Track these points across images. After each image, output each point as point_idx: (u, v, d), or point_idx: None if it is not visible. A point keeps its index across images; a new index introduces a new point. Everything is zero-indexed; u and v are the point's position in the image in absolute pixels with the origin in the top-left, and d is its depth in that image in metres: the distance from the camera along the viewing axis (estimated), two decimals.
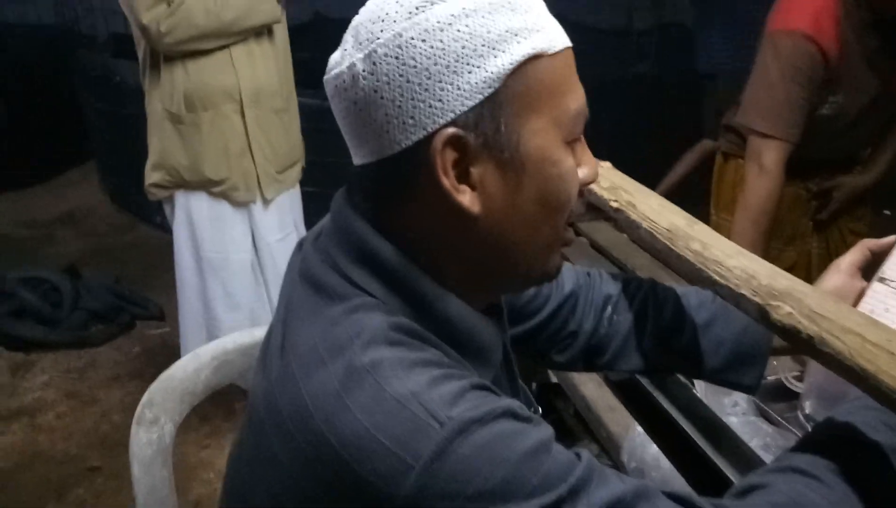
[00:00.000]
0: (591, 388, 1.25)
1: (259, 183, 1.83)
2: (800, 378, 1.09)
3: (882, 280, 0.71)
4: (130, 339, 2.63)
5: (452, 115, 0.52)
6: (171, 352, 2.24)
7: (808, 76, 1.42)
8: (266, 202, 1.88)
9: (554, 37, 0.55)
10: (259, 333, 0.77)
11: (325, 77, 0.56)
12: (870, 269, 0.75)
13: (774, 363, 1.17)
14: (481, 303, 0.62)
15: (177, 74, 1.73)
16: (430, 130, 0.52)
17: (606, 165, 0.96)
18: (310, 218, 2.07)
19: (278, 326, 0.59)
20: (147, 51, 1.75)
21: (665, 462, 0.96)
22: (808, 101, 1.45)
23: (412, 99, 0.52)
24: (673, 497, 0.53)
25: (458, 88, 0.52)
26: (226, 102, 1.75)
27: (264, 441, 0.54)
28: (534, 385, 1.98)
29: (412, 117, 0.52)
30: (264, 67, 1.80)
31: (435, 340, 0.55)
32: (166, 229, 2.83)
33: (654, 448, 1.01)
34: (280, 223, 1.91)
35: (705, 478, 0.81)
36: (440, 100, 0.52)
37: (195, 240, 1.85)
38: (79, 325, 2.59)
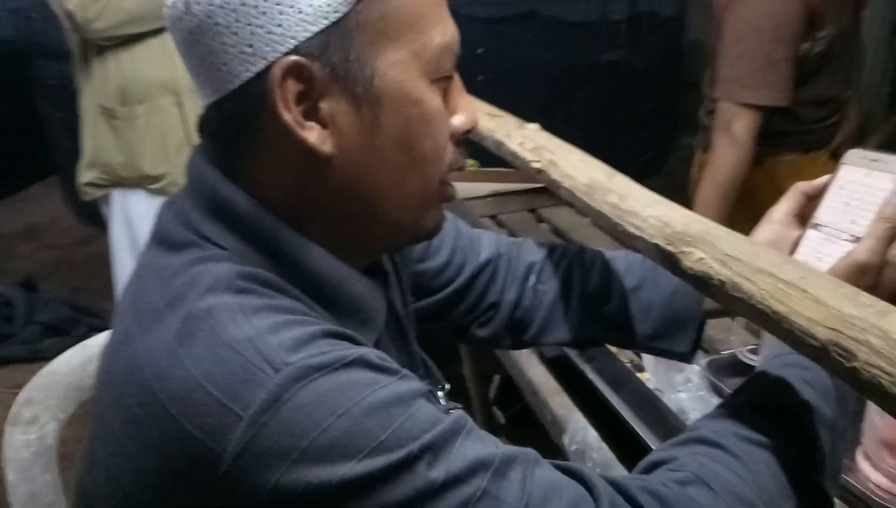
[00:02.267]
0: (539, 372, 1.19)
1: None
2: (755, 352, 1.04)
3: (815, 226, 0.65)
4: None
5: (294, 42, 0.46)
6: None
7: (789, 33, 1.39)
8: None
9: None
10: None
11: (163, 8, 0.50)
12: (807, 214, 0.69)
13: (731, 337, 1.12)
14: (359, 262, 0.55)
15: (109, 67, 1.66)
16: (269, 59, 0.46)
17: (533, 126, 0.90)
18: None
19: (126, 291, 0.53)
20: (79, 43, 1.68)
21: (605, 446, 0.90)
22: (791, 59, 1.41)
23: (248, 25, 0.46)
24: (562, 468, 0.47)
25: (300, 12, 0.46)
26: (163, 94, 1.69)
27: (100, 418, 0.49)
28: (496, 378, 1.93)
29: (250, 45, 0.46)
30: None
31: (296, 292, 0.49)
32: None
33: (591, 433, 0.95)
34: None
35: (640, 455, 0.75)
36: (279, 25, 0.46)
37: (135, 240, 1.78)
38: (31, 339, 2.51)
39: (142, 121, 1.69)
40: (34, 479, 0.72)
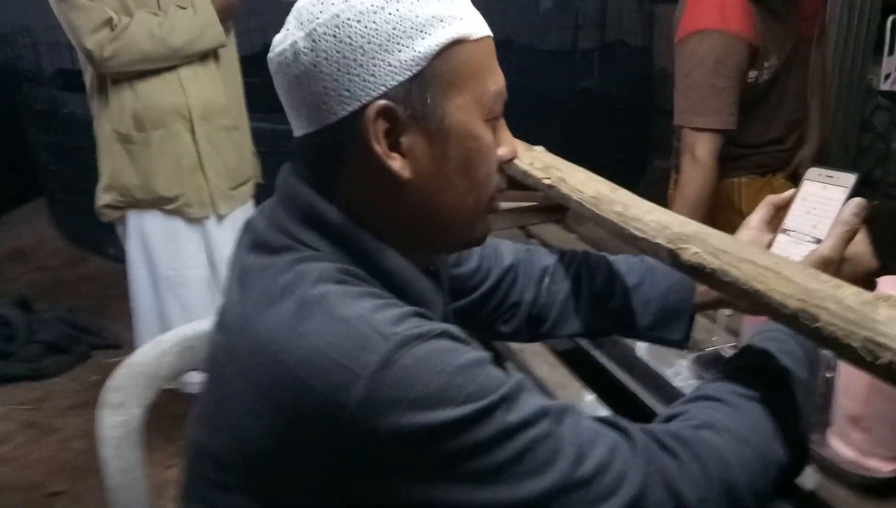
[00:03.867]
0: (545, 370, 1.31)
1: (212, 199, 1.86)
2: (735, 347, 1.16)
3: (784, 231, 0.80)
4: (87, 368, 2.61)
5: (384, 88, 0.58)
6: None
7: (730, 66, 1.53)
8: (220, 218, 1.91)
9: (476, 25, 0.62)
10: None
11: (269, 55, 0.62)
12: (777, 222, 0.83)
13: (713, 338, 1.26)
14: (420, 263, 0.68)
15: (125, 96, 1.76)
16: (363, 101, 0.58)
17: (539, 148, 1.04)
18: None
19: (233, 288, 0.64)
20: (94, 74, 1.78)
21: None
22: (734, 87, 1.55)
23: (348, 73, 0.58)
24: (601, 420, 0.59)
25: (390, 65, 0.58)
26: (175, 120, 1.78)
27: (225, 386, 0.59)
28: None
29: (348, 90, 0.58)
30: (212, 86, 1.84)
31: (379, 285, 0.61)
32: (119, 260, 2.81)
33: (604, 411, 1.07)
34: (235, 238, 1.94)
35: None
36: (373, 75, 0.58)
37: (150, 258, 1.87)
38: (33, 357, 2.56)
39: (156, 145, 1.78)
40: (124, 456, 0.82)
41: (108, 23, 1.66)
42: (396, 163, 0.60)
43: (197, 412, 0.66)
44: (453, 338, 0.56)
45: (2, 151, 4.04)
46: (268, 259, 0.62)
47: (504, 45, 4.22)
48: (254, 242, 0.65)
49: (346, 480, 0.53)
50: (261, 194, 2.06)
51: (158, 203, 1.82)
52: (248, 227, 0.68)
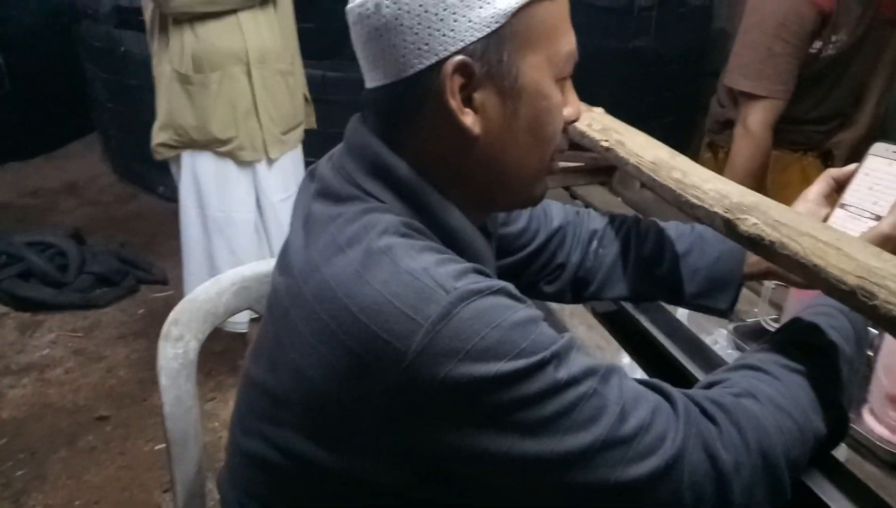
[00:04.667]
0: (582, 331, 1.32)
1: (264, 143, 1.89)
2: (777, 320, 1.16)
3: (842, 206, 0.78)
4: (135, 301, 2.70)
5: (462, 44, 0.59)
6: None
7: (793, 30, 1.45)
8: (270, 163, 1.94)
9: None
10: (273, 262, 0.84)
11: (349, 6, 0.63)
12: (835, 197, 0.82)
13: (755, 309, 1.25)
14: (478, 220, 0.69)
15: (186, 37, 1.78)
16: (441, 56, 0.59)
17: (599, 110, 1.03)
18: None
19: (297, 233, 0.66)
20: (155, 14, 1.80)
21: None
22: (793, 55, 1.47)
23: (428, 28, 0.58)
24: (645, 383, 0.61)
25: (470, 21, 0.58)
26: (233, 63, 1.80)
27: (287, 326, 0.61)
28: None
29: (427, 44, 0.59)
30: (269, 32, 1.85)
31: (438, 241, 0.62)
32: (169, 198, 2.85)
33: (640, 373, 1.08)
34: (283, 184, 1.97)
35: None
36: (453, 30, 0.58)
37: (201, 199, 1.91)
38: (85, 288, 2.66)
39: (214, 88, 1.80)
40: (180, 386, 0.86)
41: None
42: (468, 118, 0.61)
43: (255, 350, 0.69)
44: (510, 295, 0.57)
45: (58, 86, 4.13)
46: (335, 208, 0.63)
47: None
48: (321, 189, 0.66)
49: (399, 424, 0.55)
50: (309, 141, 2.09)
51: (212, 144, 1.85)
52: (315, 174, 0.69)
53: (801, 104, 1.59)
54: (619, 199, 1.67)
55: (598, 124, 0.97)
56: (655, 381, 0.62)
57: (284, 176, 1.97)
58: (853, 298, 0.56)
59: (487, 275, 0.59)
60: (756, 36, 1.49)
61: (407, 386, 0.54)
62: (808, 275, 0.61)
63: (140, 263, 2.85)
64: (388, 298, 0.54)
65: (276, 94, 1.88)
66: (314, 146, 2.15)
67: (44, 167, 4.07)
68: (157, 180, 3.57)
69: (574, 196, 1.85)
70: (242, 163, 1.90)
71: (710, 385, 0.66)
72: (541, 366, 0.54)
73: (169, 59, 1.80)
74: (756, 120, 1.54)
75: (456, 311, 0.53)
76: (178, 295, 2.65)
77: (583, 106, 1.04)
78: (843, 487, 0.74)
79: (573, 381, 0.55)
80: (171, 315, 0.87)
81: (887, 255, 0.57)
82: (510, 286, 0.58)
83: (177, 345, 0.86)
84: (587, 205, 1.76)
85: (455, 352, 0.53)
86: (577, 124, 1.01)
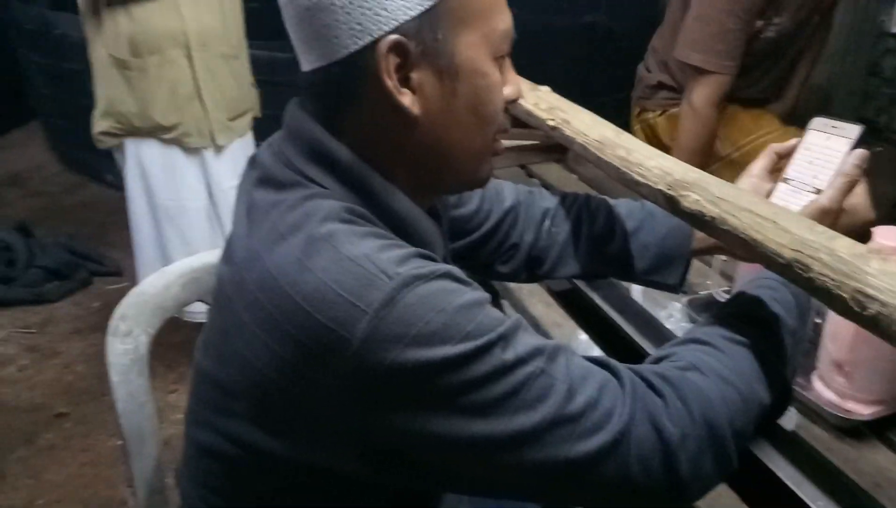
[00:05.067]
0: (540, 309, 1.34)
1: (211, 130, 1.85)
2: (728, 292, 1.19)
3: (785, 180, 0.80)
4: (89, 295, 2.64)
5: (395, 23, 0.58)
6: None
7: (745, 7, 1.47)
8: (218, 149, 1.90)
9: None
10: None
11: None
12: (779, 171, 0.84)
13: (708, 282, 1.28)
14: (425, 203, 0.69)
15: (120, 19, 1.71)
16: (375, 35, 0.58)
17: (545, 88, 1.03)
18: None
19: (240, 221, 0.65)
20: None
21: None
22: (744, 31, 1.49)
23: (360, 7, 0.58)
24: (591, 359, 0.62)
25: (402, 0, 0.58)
26: (172, 46, 1.75)
27: (232, 317, 0.60)
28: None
29: (359, 24, 0.58)
30: (209, 12, 1.79)
31: (383, 226, 0.62)
32: (118, 187, 2.79)
33: (596, 351, 1.10)
34: (234, 170, 1.93)
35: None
36: (385, 9, 0.58)
37: (149, 188, 1.86)
38: (34, 282, 2.59)
39: (153, 72, 1.75)
40: (132, 381, 0.85)
41: None
42: (406, 99, 0.60)
43: (203, 341, 0.68)
44: (454, 279, 0.57)
45: None
46: (276, 195, 0.63)
47: None
48: (261, 176, 0.65)
49: (349, 411, 0.55)
50: (260, 124, 2.05)
51: (156, 132, 1.81)
52: (255, 161, 0.68)
53: (737, 82, 1.61)
54: (575, 176, 1.69)
55: (544, 104, 0.97)
56: (602, 357, 0.63)
57: (234, 163, 1.93)
58: (790, 270, 0.58)
59: (432, 259, 0.59)
60: (710, 12, 1.50)
61: (354, 373, 0.54)
62: (748, 249, 0.63)
63: (92, 254, 2.78)
64: (331, 285, 0.54)
65: (220, 78, 1.83)
66: (266, 130, 2.11)
67: None
68: (105, 168, 3.46)
69: (530, 174, 1.85)
70: (189, 150, 1.85)
71: (657, 360, 0.67)
72: (487, 348, 0.55)
73: (104, 43, 1.74)
74: (703, 95, 1.56)
75: (399, 296, 0.54)
76: (134, 287, 2.61)
77: (529, 84, 1.06)
78: (790, 454, 0.77)
79: (520, 361, 0.56)
80: (118, 310, 0.86)
81: (821, 228, 0.59)
82: (454, 270, 0.58)
83: (126, 340, 0.85)
84: (543, 184, 1.78)
85: (401, 338, 0.53)
86: (523, 103, 1.02)
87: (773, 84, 1.68)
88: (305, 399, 0.57)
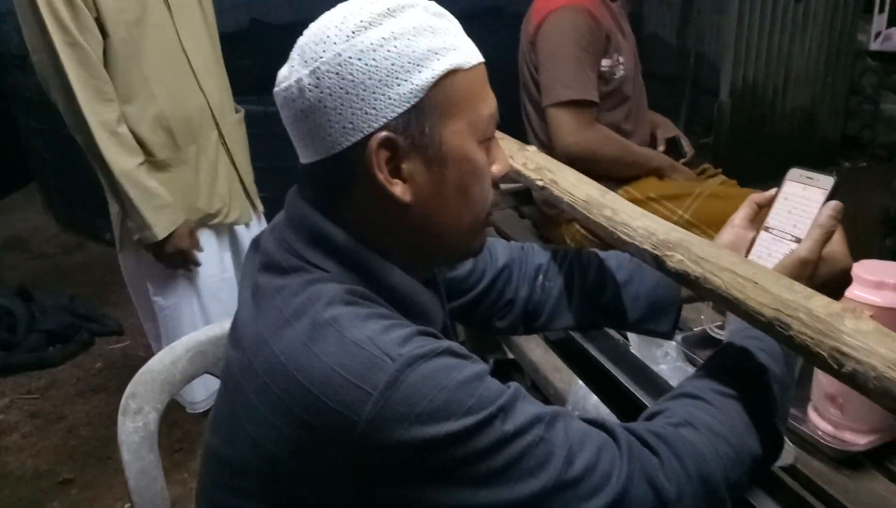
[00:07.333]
0: (539, 353, 1.36)
1: (253, 201, 1.85)
2: (721, 328, 1.21)
3: (766, 229, 0.84)
4: (91, 356, 2.65)
5: (384, 120, 0.62)
6: (133, 364, 2.22)
7: (590, 40, 1.55)
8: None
9: (469, 54, 0.66)
10: (227, 325, 0.85)
11: (275, 89, 0.66)
12: (761, 220, 0.87)
13: (702, 317, 1.30)
14: (421, 275, 0.72)
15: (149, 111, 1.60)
16: (365, 132, 0.62)
17: (532, 149, 1.07)
18: (269, 219, 2.04)
19: (247, 305, 0.68)
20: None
21: (604, 409, 1.08)
22: (595, 64, 1.58)
23: (351, 108, 0.62)
24: (588, 421, 0.64)
25: (389, 99, 0.62)
26: (204, 126, 1.69)
27: (242, 399, 0.63)
28: (491, 360, 2.10)
29: (351, 123, 0.62)
30: (220, 76, 1.75)
31: (382, 302, 0.65)
32: (115, 245, 2.77)
33: (594, 398, 1.12)
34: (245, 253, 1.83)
35: (633, 413, 0.93)
36: (374, 108, 0.62)
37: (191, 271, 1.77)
38: (36, 346, 2.60)
39: (193, 161, 1.67)
40: (143, 458, 0.86)
41: None
42: (398, 188, 0.64)
43: (213, 421, 0.71)
44: (454, 355, 0.60)
45: None
46: (280, 280, 0.66)
47: (492, 12, 4.19)
48: (265, 262, 0.68)
49: (357, 487, 0.58)
50: (261, 177, 1.97)
51: (206, 220, 1.73)
52: (259, 246, 0.71)
53: (614, 114, 1.67)
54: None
55: (532, 164, 1.01)
56: (599, 419, 0.66)
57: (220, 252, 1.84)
58: (772, 329, 0.61)
59: (433, 334, 0.62)
60: (565, 50, 1.56)
61: (362, 453, 0.56)
62: (730, 307, 0.65)
63: (93, 315, 2.79)
64: (337, 369, 0.57)
65: (241, 143, 1.80)
66: (267, 183, 2.05)
67: None
68: (103, 227, 3.49)
69: (522, 215, 1.89)
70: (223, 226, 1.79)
71: (651, 416, 0.70)
72: (488, 421, 0.57)
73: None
74: (583, 121, 1.57)
75: (403, 377, 0.56)
76: (136, 345, 2.63)
77: (517, 144, 1.09)
78: (789, 488, 0.79)
79: (520, 431, 0.58)
80: (129, 389, 0.88)
81: (799, 286, 0.61)
82: (454, 345, 0.61)
83: (136, 418, 0.87)
84: (534, 224, 1.82)
85: (405, 417, 0.56)
86: (512, 163, 1.05)
87: (628, 115, 1.73)
88: (314, 478, 0.59)
